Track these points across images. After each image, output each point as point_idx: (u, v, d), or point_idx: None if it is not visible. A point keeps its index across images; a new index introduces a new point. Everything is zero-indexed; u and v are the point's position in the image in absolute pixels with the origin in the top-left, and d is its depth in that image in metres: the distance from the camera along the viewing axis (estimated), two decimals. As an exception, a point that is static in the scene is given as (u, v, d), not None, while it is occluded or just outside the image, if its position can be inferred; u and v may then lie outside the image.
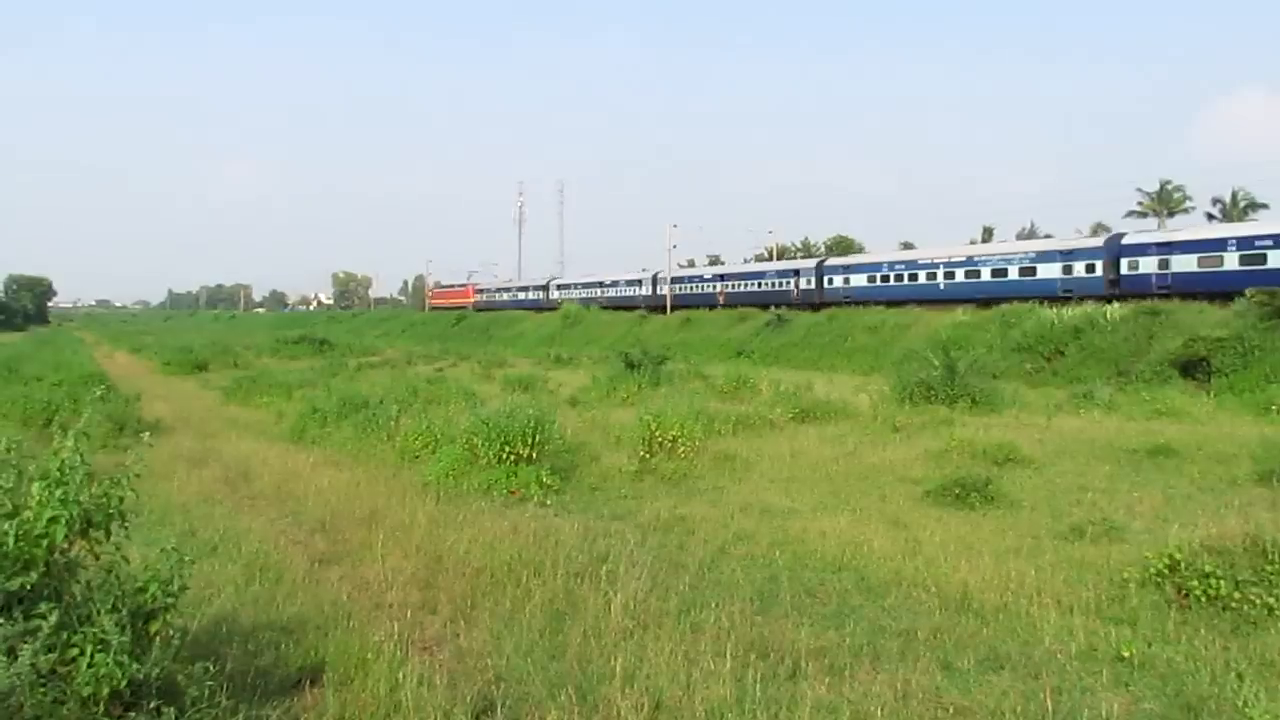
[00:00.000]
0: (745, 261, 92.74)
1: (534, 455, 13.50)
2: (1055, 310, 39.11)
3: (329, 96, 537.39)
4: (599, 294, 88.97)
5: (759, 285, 68.45)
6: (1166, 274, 42.67)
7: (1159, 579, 7.97)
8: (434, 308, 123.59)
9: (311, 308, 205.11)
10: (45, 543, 4.70)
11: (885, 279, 57.14)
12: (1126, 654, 6.62)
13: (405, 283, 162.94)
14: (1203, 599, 7.55)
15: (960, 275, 52.64)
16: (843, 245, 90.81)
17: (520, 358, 52.09)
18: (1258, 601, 7.35)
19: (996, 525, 10.88)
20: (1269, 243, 39.45)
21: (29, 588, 4.57)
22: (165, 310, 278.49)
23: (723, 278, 74.67)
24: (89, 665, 4.39)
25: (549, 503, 12.18)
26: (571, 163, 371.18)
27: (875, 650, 6.75)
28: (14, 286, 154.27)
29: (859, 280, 59.06)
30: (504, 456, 13.34)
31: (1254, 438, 16.38)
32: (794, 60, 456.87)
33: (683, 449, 15.05)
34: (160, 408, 25.34)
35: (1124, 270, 45.02)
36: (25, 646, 4.16)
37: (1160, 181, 78.36)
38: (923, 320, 46.18)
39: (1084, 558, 9.23)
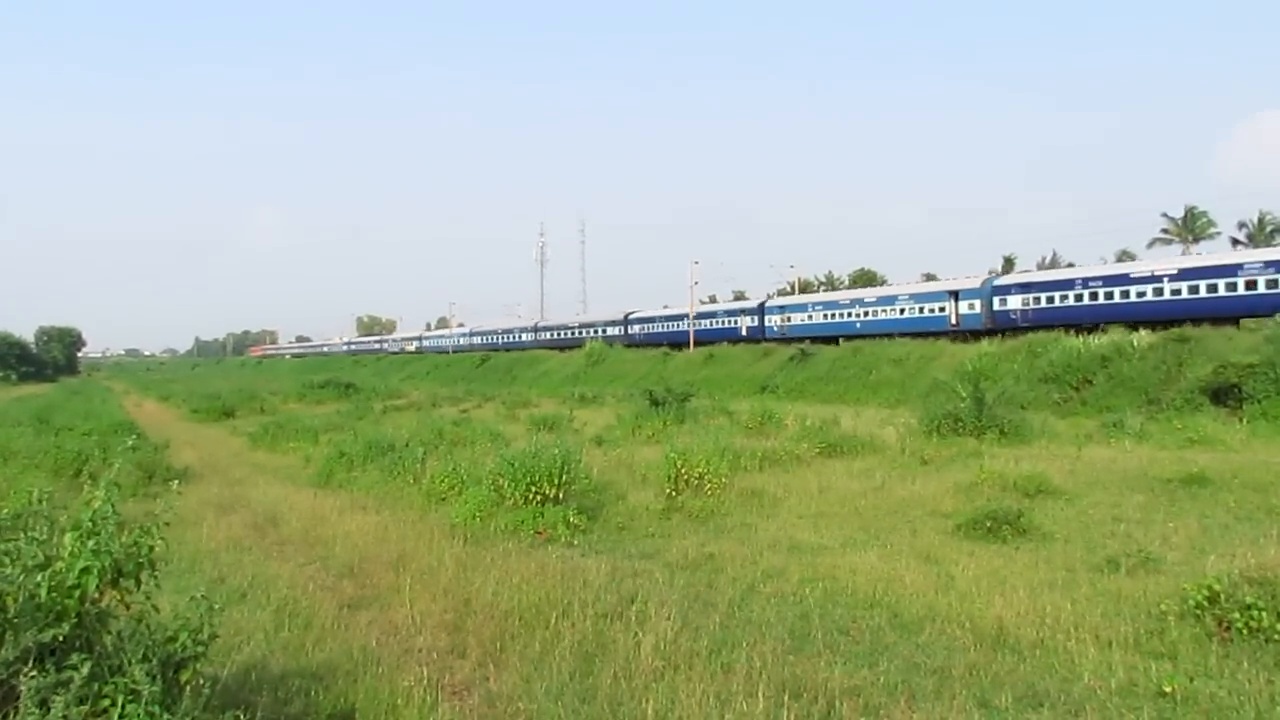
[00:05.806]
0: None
1: (560, 495, 13.47)
2: (1082, 339, 38.83)
3: (353, 142, 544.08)
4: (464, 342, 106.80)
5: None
6: (787, 326, 66.12)
7: (1199, 611, 7.81)
8: (260, 357, 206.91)
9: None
10: (78, 593, 4.71)
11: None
12: (1168, 689, 6.47)
13: (428, 324, 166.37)
14: (1245, 631, 7.39)
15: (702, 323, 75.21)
16: (866, 278, 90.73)
17: (544, 397, 52.09)
18: (1302, 633, 7.19)
19: (1030, 558, 10.72)
20: (841, 306, 63.58)
21: (61, 639, 4.58)
22: (193, 358, 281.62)
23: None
24: (120, 716, 4.38)
25: (576, 543, 12.14)
26: (594, 200, 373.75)
27: (910, 689, 6.63)
28: (44, 338, 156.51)
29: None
30: (530, 497, 13.32)
31: (1290, 464, 16.11)
32: (817, 94, 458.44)
33: (709, 486, 14.97)
34: (188, 454, 25.54)
35: (766, 324, 68.45)
36: (57, 698, 4.16)
37: (1186, 207, 78.18)
38: (947, 352, 45.93)
39: (1121, 590, 9.07)
